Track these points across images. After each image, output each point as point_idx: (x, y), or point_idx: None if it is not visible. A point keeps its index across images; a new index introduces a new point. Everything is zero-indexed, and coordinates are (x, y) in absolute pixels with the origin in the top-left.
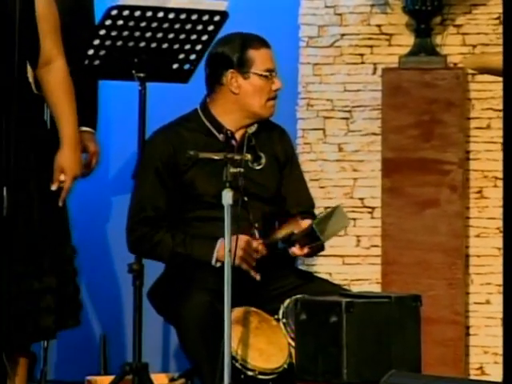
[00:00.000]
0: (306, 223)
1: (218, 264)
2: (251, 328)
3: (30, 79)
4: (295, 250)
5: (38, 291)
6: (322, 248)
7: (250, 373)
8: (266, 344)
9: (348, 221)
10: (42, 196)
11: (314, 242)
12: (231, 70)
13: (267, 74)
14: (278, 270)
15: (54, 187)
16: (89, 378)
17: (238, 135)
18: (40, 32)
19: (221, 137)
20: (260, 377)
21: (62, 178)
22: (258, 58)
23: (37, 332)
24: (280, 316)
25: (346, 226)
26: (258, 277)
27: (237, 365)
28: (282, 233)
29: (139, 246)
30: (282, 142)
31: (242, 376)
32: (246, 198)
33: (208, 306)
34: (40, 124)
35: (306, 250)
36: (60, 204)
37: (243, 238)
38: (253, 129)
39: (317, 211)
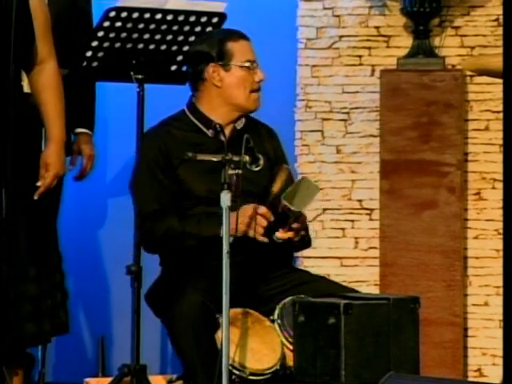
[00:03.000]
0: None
1: (230, 239)
2: (244, 329)
3: (24, 81)
4: (279, 234)
5: (20, 298)
6: (309, 243)
7: (241, 373)
8: (259, 344)
9: (317, 188)
10: (29, 202)
11: (290, 216)
12: (212, 64)
13: (248, 64)
14: (276, 269)
15: (39, 183)
16: (87, 379)
17: (226, 131)
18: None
19: (210, 132)
20: (251, 377)
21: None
22: (238, 50)
23: (21, 339)
24: (275, 317)
25: (316, 194)
26: (265, 239)
27: (228, 366)
28: (277, 185)
29: (149, 242)
30: (270, 140)
31: (234, 377)
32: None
33: (200, 306)
34: (34, 124)
35: (288, 233)
36: (35, 197)
37: (248, 206)
38: (240, 124)
39: None
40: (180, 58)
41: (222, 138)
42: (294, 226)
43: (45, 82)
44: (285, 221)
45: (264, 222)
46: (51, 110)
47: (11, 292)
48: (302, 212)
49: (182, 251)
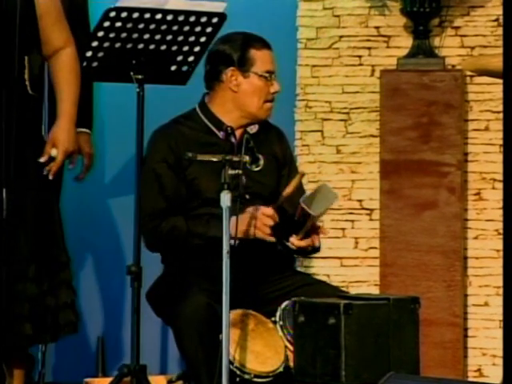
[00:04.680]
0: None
1: (236, 242)
2: (247, 330)
3: (27, 81)
4: (293, 240)
5: (19, 297)
6: (318, 248)
7: (245, 376)
8: (262, 347)
9: (336, 195)
10: (36, 201)
11: (306, 220)
12: (231, 68)
13: (267, 75)
14: (278, 271)
15: (42, 159)
16: (87, 379)
17: (237, 133)
18: (44, 27)
19: (221, 134)
20: (256, 380)
21: (54, 152)
22: (259, 59)
23: (20, 339)
24: (277, 318)
25: (334, 201)
26: (272, 239)
27: (232, 368)
28: (288, 190)
29: (154, 240)
30: (280, 143)
31: (238, 379)
32: (247, 196)
33: (206, 307)
34: (35, 125)
35: (303, 242)
36: (50, 177)
37: (253, 208)
38: (253, 129)
39: None
40: (180, 58)
41: (233, 140)
42: (314, 237)
43: (61, 64)
44: (300, 226)
45: (269, 221)
46: (65, 87)
47: (11, 291)
48: (318, 219)
49: (188, 250)
